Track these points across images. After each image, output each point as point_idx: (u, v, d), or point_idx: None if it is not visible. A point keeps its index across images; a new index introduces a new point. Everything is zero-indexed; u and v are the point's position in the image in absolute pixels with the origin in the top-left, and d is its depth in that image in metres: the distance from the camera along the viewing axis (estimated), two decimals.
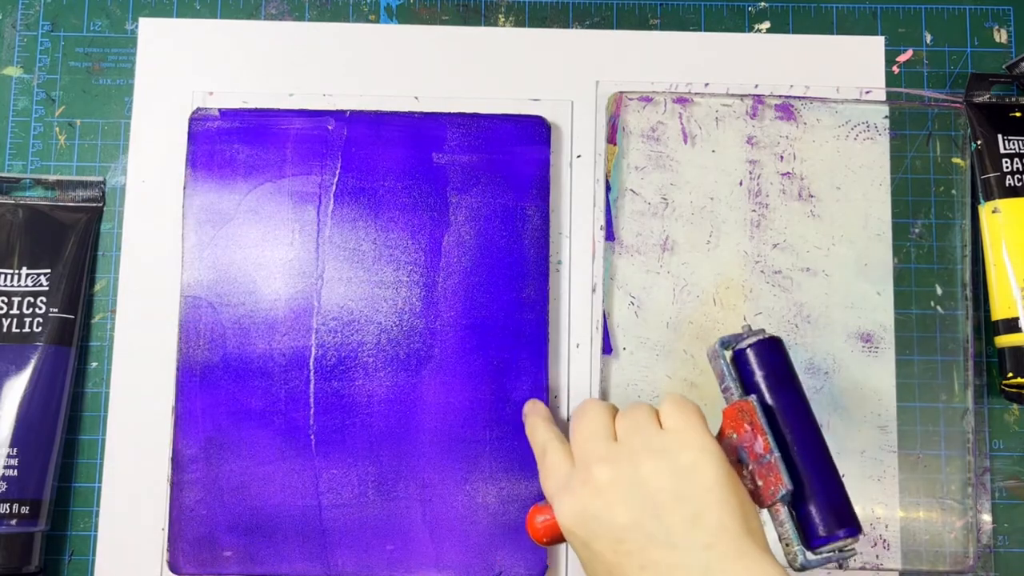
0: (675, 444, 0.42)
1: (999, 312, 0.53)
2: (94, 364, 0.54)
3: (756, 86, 0.56)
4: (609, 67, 0.56)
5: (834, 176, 0.55)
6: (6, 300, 0.52)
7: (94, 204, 0.55)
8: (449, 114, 0.55)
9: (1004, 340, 0.52)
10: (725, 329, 0.54)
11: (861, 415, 0.53)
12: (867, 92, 0.56)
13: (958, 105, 0.56)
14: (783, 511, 0.42)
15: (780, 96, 0.56)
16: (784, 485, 0.42)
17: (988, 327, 0.54)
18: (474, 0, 0.57)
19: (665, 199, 0.55)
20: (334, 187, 0.54)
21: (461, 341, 0.53)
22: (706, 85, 0.56)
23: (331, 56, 0.56)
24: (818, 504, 0.43)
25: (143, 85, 0.56)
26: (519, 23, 0.57)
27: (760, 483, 0.42)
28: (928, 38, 0.57)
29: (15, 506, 0.50)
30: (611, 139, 0.55)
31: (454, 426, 0.52)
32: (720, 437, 0.44)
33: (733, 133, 0.55)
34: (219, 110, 0.54)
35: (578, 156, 0.55)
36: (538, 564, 0.51)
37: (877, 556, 0.52)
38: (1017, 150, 0.54)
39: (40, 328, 0.52)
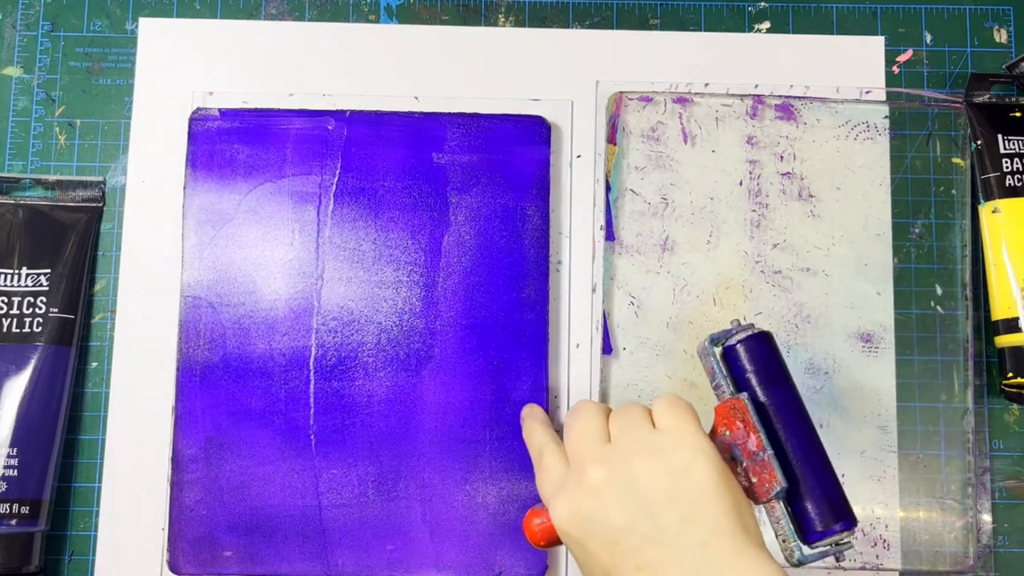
0: (668, 444, 0.42)
1: (999, 312, 0.53)
2: (94, 364, 0.54)
3: (756, 86, 0.56)
4: (609, 67, 0.56)
5: (834, 176, 0.55)
6: (6, 300, 0.52)
7: (94, 204, 0.55)
8: (449, 114, 0.55)
9: (1004, 340, 0.52)
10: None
11: (861, 415, 0.53)
12: (867, 92, 0.56)
13: (958, 105, 0.56)
14: (778, 507, 0.42)
15: (780, 96, 0.56)
16: (779, 482, 0.42)
17: (988, 327, 0.54)
18: (474, 0, 0.57)
19: (665, 199, 0.55)
20: (334, 187, 0.54)
21: (461, 341, 0.53)
22: (706, 85, 0.56)
23: (331, 56, 0.56)
24: (814, 499, 0.43)
25: (143, 85, 0.56)
26: (519, 23, 0.57)
27: (754, 480, 0.43)
28: (928, 38, 0.57)
29: (15, 506, 0.50)
30: (611, 139, 0.55)
31: (454, 426, 0.52)
32: (713, 435, 0.44)
33: (733, 133, 0.55)
34: (219, 110, 0.54)
35: (578, 156, 0.55)
36: (538, 564, 0.51)
37: (877, 556, 0.52)
38: (1017, 150, 0.54)
39: (40, 328, 0.52)
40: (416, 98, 0.56)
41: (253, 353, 0.52)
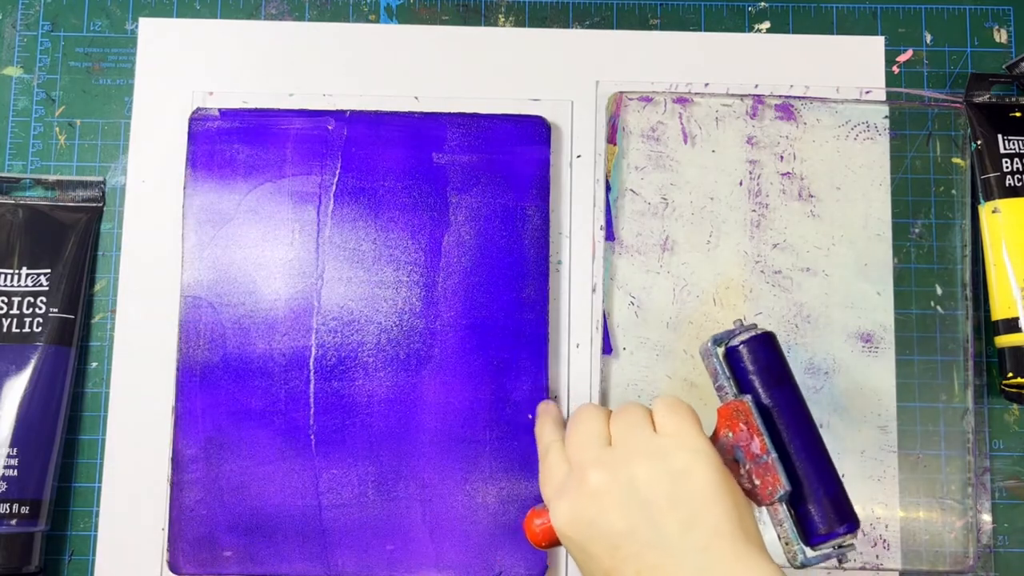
0: (669, 447, 0.42)
1: (999, 312, 0.53)
2: (94, 364, 0.54)
3: (756, 86, 0.56)
4: (609, 67, 0.56)
5: (834, 176, 0.55)
6: (6, 300, 0.52)
7: (94, 204, 0.55)
8: (449, 114, 0.55)
9: (1004, 340, 0.52)
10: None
11: (861, 415, 0.53)
12: (867, 92, 0.56)
13: (958, 105, 0.56)
14: (781, 510, 0.42)
15: (780, 96, 0.56)
16: (782, 486, 0.42)
17: (988, 327, 0.54)
18: (474, 0, 0.57)
19: (665, 199, 0.55)
20: (334, 187, 0.54)
21: (461, 341, 0.53)
22: (706, 85, 0.56)
23: (331, 56, 0.56)
24: (817, 501, 0.43)
25: (143, 85, 0.56)
26: (519, 23, 0.57)
27: (758, 483, 0.42)
28: (928, 38, 0.57)
29: (15, 506, 0.50)
30: (611, 139, 0.55)
31: (454, 426, 0.52)
32: (715, 436, 0.44)
33: (733, 133, 0.55)
34: (219, 110, 0.54)
35: (578, 156, 0.55)
36: (538, 564, 0.51)
37: (877, 556, 0.52)
38: (1017, 150, 0.54)
39: (40, 328, 0.52)
40: (416, 98, 0.56)
41: (253, 353, 0.52)
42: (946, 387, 0.54)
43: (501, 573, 0.51)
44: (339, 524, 0.51)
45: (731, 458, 0.43)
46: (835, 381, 0.53)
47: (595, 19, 0.57)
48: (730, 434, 0.43)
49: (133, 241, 0.54)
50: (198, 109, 0.55)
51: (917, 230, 0.55)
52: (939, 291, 0.55)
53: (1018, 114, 0.55)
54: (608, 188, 0.55)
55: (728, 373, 0.45)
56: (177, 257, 0.54)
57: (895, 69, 0.57)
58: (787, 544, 0.42)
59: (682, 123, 0.55)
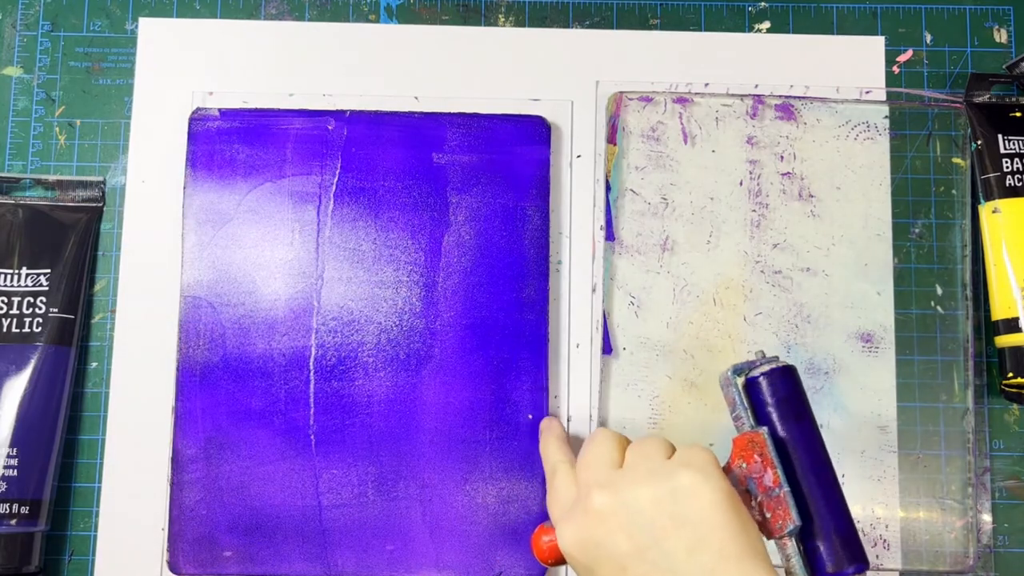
0: (675, 468, 0.41)
1: (999, 312, 0.53)
2: (94, 364, 0.54)
3: (756, 86, 0.56)
4: (609, 67, 0.56)
5: (834, 176, 0.55)
6: (6, 300, 0.52)
7: (94, 204, 0.55)
8: (449, 114, 0.55)
9: (1004, 340, 0.52)
10: (725, 329, 0.54)
11: (861, 415, 0.53)
12: (867, 92, 0.56)
13: (958, 105, 0.56)
14: (790, 545, 0.42)
15: (780, 96, 0.56)
16: (792, 520, 0.41)
17: (988, 327, 0.54)
18: (474, 0, 0.57)
19: (665, 199, 0.55)
20: (334, 187, 0.54)
21: (461, 341, 0.53)
22: (706, 85, 0.56)
23: (331, 56, 0.56)
24: (827, 539, 0.42)
25: (143, 85, 0.56)
26: (519, 23, 0.57)
27: (768, 516, 0.42)
28: (928, 38, 0.57)
29: (15, 506, 0.50)
30: (611, 139, 0.55)
31: (454, 426, 0.52)
32: (728, 467, 0.43)
33: (733, 133, 0.55)
34: (219, 110, 0.54)
35: (578, 156, 0.55)
36: (538, 565, 0.51)
37: (877, 556, 0.52)
38: (1017, 150, 0.54)
39: (40, 328, 0.52)
40: (416, 98, 0.56)
41: (253, 353, 0.52)
42: (946, 387, 0.54)
43: (501, 573, 0.51)
44: (339, 524, 0.51)
45: (743, 489, 0.43)
46: (835, 381, 0.53)
47: (595, 19, 0.57)
48: (744, 465, 0.43)
49: (133, 241, 0.54)
50: (198, 109, 0.55)
51: (917, 230, 0.55)
52: (939, 291, 0.55)
53: (1018, 114, 0.55)
54: (608, 188, 0.55)
55: (746, 404, 0.45)
56: (177, 257, 0.54)
57: (895, 69, 0.57)
58: None
59: (682, 123, 0.55)
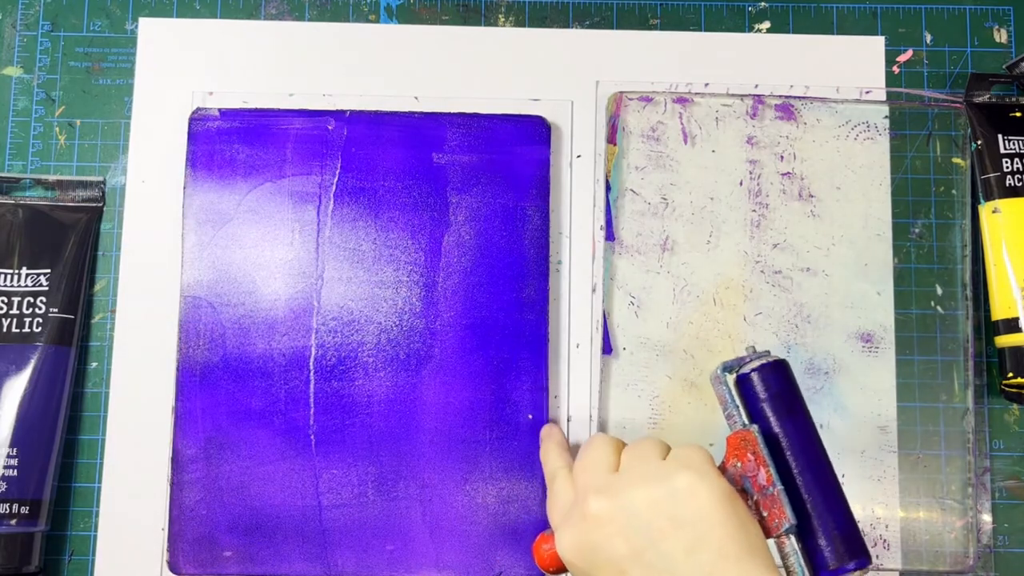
0: (672, 470, 0.41)
1: (999, 312, 0.53)
2: (94, 364, 0.54)
3: (756, 86, 0.56)
4: (609, 67, 0.56)
5: (834, 176, 0.55)
6: (6, 300, 0.52)
7: (94, 204, 0.55)
8: (449, 114, 0.55)
9: (1004, 340, 0.52)
10: (725, 329, 0.54)
11: (861, 415, 0.53)
12: (867, 92, 0.56)
13: (958, 105, 0.56)
14: (789, 543, 0.41)
15: (780, 96, 0.56)
16: (787, 518, 0.41)
17: (988, 327, 0.54)
18: (474, 0, 0.57)
19: (665, 199, 0.55)
20: (334, 187, 0.54)
21: (461, 341, 0.53)
22: (706, 85, 0.56)
23: (331, 56, 0.56)
24: (826, 535, 0.42)
25: (143, 85, 0.56)
26: (519, 23, 0.57)
27: (765, 514, 0.42)
28: (928, 38, 0.57)
29: (15, 506, 0.50)
30: (611, 139, 0.55)
31: (454, 426, 0.52)
32: (724, 466, 0.43)
33: (733, 133, 0.55)
34: (219, 110, 0.54)
35: (578, 156, 0.55)
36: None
37: (877, 556, 0.52)
38: (1017, 150, 0.54)
39: (40, 328, 0.52)
40: (416, 98, 0.56)
41: (253, 353, 0.52)
42: (946, 387, 0.54)
43: (501, 573, 0.51)
44: (339, 524, 0.51)
45: (739, 488, 0.42)
46: (835, 381, 0.53)
47: (595, 19, 0.57)
48: (738, 464, 0.43)
49: (133, 241, 0.54)
50: (198, 109, 0.55)
51: (917, 230, 0.55)
52: (939, 291, 0.55)
53: (1018, 114, 0.54)
54: (608, 188, 0.55)
55: (738, 401, 0.44)
56: (177, 257, 0.54)
57: (895, 69, 0.57)
58: None
59: (682, 123, 0.55)
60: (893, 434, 0.53)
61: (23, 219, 0.54)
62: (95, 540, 0.52)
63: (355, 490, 0.51)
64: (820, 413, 0.53)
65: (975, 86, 0.55)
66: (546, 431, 0.51)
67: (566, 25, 0.57)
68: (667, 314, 0.54)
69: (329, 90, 0.56)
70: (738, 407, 0.44)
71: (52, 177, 0.55)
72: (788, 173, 0.55)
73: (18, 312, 0.52)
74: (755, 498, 0.42)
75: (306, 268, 0.53)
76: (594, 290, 0.54)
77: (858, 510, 0.52)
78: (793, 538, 0.42)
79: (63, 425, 0.52)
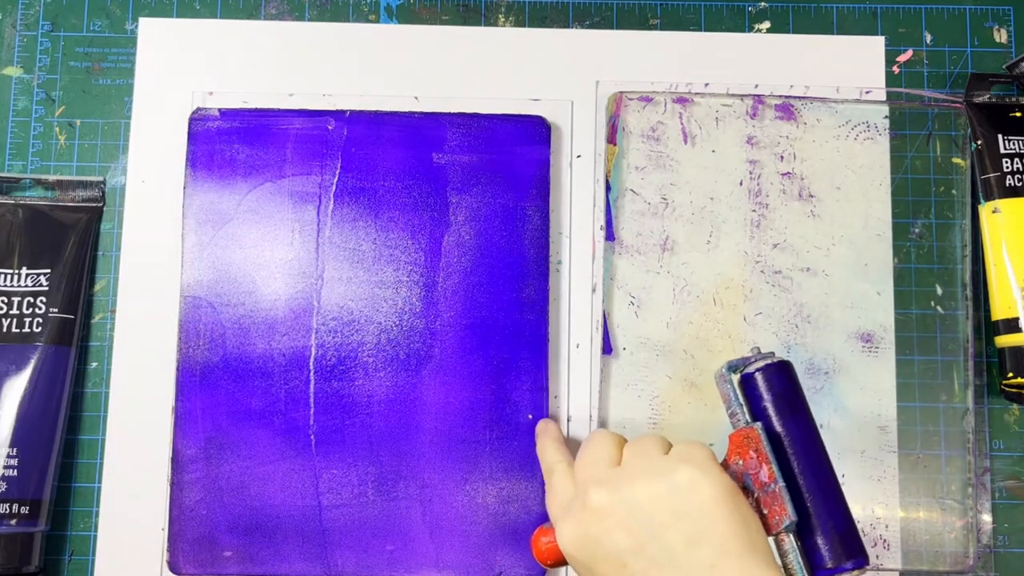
0: (674, 464, 0.41)
1: (999, 312, 0.53)
2: (94, 364, 0.54)
3: (756, 86, 0.56)
4: (609, 67, 0.56)
5: (834, 176, 0.55)
6: (6, 300, 0.52)
7: (94, 204, 0.55)
8: (449, 114, 0.55)
9: (1004, 340, 0.52)
10: (725, 329, 0.54)
11: (861, 415, 0.53)
12: (867, 92, 0.56)
13: (958, 105, 0.56)
14: (788, 541, 0.42)
15: (780, 96, 0.56)
16: (788, 516, 0.41)
17: (988, 327, 0.54)
18: (474, 0, 0.57)
19: (665, 199, 0.55)
20: (334, 187, 0.54)
21: (461, 341, 0.53)
22: (706, 85, 0.56)
23: (331, 56, 0.56)
24: (825, 534, 0.42)
25: (143, 85, 0.56)
26: (519, 23, 0.57)
27: (765, 512, 0.42)
28: (928, 38, 0.57)
29: (15, 506, 0.50)
30: (611, 139, 0.55)
31: (454, 426, 0.52)
32: (726, 463, 0.44)
33: (733, 133, 0.55)
34: (219, 110, 0.54)
35: (578, 156, 0.55)
36: (538, 565, 0.51)
37: (877, 556, 0.52)
38: (1017, 150, 0.54)
39: (40, 328, 0.52)
40: (416, 98, 0.56)
41: (253, 353, 0.52)
42: (946, 387, 0.54)
43: (501, 573, 0.51)
44: (339, 524, 0.51)
45: (741, 485, 0.43)
46: (835, 381, 0.53)
47: (595, 19, 0.57)
48: (740, 461, 0.43)
49: (133, 241, 0.54)
50: (198, 109, 0.55)
51: (917, 230, 0.55)
52: (939, 291, 0.55)
53: (1018, 114, 0.55)
54: (608, 188, 0.55)
55: (742, 400, 0.45)
56: (177, 257, 0.54)
57: (895, 69, 0.57)
58: None
59: (682, 123, 0.55)
60: (893, 434, 0.53)
61: (23, 219, 0.54)
62: (95, 540, 0.52)
63: (355, 490, 0.51)
64: (820, 413, 0.53)
65: (975, 86, 0.55)
66: (542, 426, 0.51)
67: (566, 25, 0.57)
68: (667, 314, 0.54)
69: (329, 90, 0.56)
70: (741, 406, 0.44)
71: (52, 177, 0.55)
72: (788, 173, 0.55)
73: (18, 312, 0.52)
74: (756, 495, 0.42)
75: (306, 268, 0.53)
76: (594, 290, 0.54)
77: (858, 510, 0.52)
78: (792, 536, 0.42)
79: (63, 425, 0.52)
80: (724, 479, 0.41)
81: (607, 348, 0.53)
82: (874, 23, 0.57)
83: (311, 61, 0.56)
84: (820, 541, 0.42)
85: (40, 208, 0.54)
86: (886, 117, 0.56)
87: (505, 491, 0.51)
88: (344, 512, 0.51)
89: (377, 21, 0.57)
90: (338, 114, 0.54)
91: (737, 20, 0.57)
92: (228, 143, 0.54)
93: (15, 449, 0.50)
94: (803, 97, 0.56)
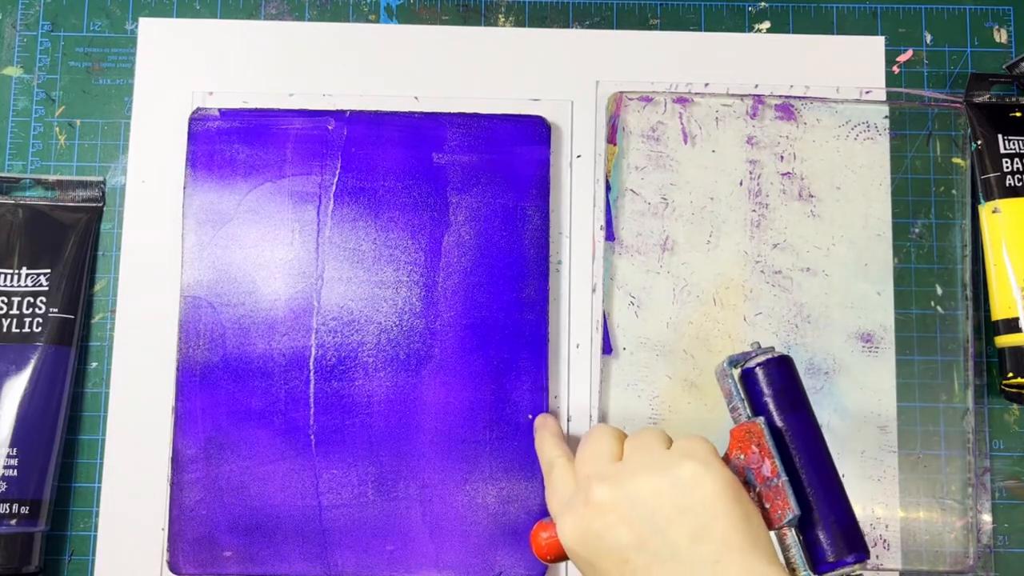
0: (676, 459, 0.41)
1: (999, 312, 0.53)
2: (94, 364, 0.54)
3: (756, 86, 0.56)
4: (609, 67, 0.56)
5: (834, 176, 0.55)
6: (6, 300, 0.52)
7: (94, 204, 0.55)
8: (449, 114, 0.55)
9: (1004, 340, 0.52)
10: (725, 329, 0.54)
11: (861, 415, 0.53)
12: (867, 92, 0.56)
13: (958, 105, 0.56)
14: (790, 535, 0.42)
15: (780, 96, 0.56)
16: (791, 510, 0.41)
17: (988, 327, 0.54)
18: (474, 0, 0.57)
19: (665, 199, 0.55)
20: (334, 187, 0.54)
21: (461, 341, 0.53)
22: (706, 85, 0.56)
23: (331, 56, 0.56)
24: (826, 528, 0.42)
25: (143, 85, 0.56)
26: (519, 23, 0.57)
27: (767, 506, 0.42)
28: (928, 38, 0.57)
29: (15, 506, 0.50)
30: (611, 139, 0.55)
31: (454, 426, 0.52)
32: (727, 458, 0.44)
33: (733, 133, 0.55)
34: (219, 110, 0.54)
35: (578, 156, 0.55)
36: (538, 565, 0.51)
37: (877, 556, 0.52)
38: (1017, 150, 0.54)
39: (40, 328, 0.52)
40: (416, 98, 0.56)
41: (253, 353, 0.52)
42: (946, 387, 0.54)
43: (501, 573, 0.51)
44: (339, 524, 0.51)
45: (742, 480, 0.43)
46: (835, 381, 0.53)
47: (595, 19, 0.57)
48: (742, 456, 0.43)
49: (133, 241, 0.54)
50: (198, 109, 0.55)
51: (917, 230, 0.55)
52: (939, 291, 0.55)
53: (1018, 114, 0.55)
54: (608, 188, 0.55)
55: (743, 395, 0.45)
56: (177, 257, 0.54)
57: (895, 69, 0.57)
58: (794, 571, 0.42)
59: (682, 123, 0.55)
60: (893, 434, 0.53)
61: (23, 219, 0.54)
62: (95, 540, 0.52)
63: (355, 490, 0.51)
64: (820, 413, 0.53)
65: (975, 86, 0.55)
66: (540, 421, 0.51)
67: (566, 25, 0.57)
68: (667, 314, 0.54)
69: (329, 90, 0.56)
70: (743, 400, 0.44)
71: (52, 177, 0.55)
72: (788, 173, 0.55)
73: (18, 312, 0.52)
74: (758, 490, 0.42)
75: (306, 268, 0.53)
76: (594, 290, 0.54)
77: (858, 510, 0.52)
78: (795, 530, 0.42)
79: (63, 425, 0.52)
80: (726, 474, 0.41)
81: (607, 348, 0.53)
82: (874, 23, 0.57)
83: (311, 61, 0.56)
84: (822, 535, 0.42)
85: (40, 208, 0.54)
86: (886, 117, 0.56)
87: (505, 491, 0.51)
88: (344, 512, 0.51)
89: (377, 21, 0.57)
90: (338, 114, 0.54)
91: (737, 20, 0.57)
92: (228, 143, 0.54)
93: (15, 449, 0.50)
94: (803, 97, 0.56)
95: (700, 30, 0.57)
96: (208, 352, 0.52)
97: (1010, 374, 0.52)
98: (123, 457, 0.53)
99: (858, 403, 0.53)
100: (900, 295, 0.54)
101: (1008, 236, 0.53)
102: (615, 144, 0.55)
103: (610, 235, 0.54)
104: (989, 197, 0.54)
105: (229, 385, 0.52)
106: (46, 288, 0.53)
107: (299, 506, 0.51)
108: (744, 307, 0.54)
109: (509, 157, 0.54)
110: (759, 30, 0.57)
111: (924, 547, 0.52)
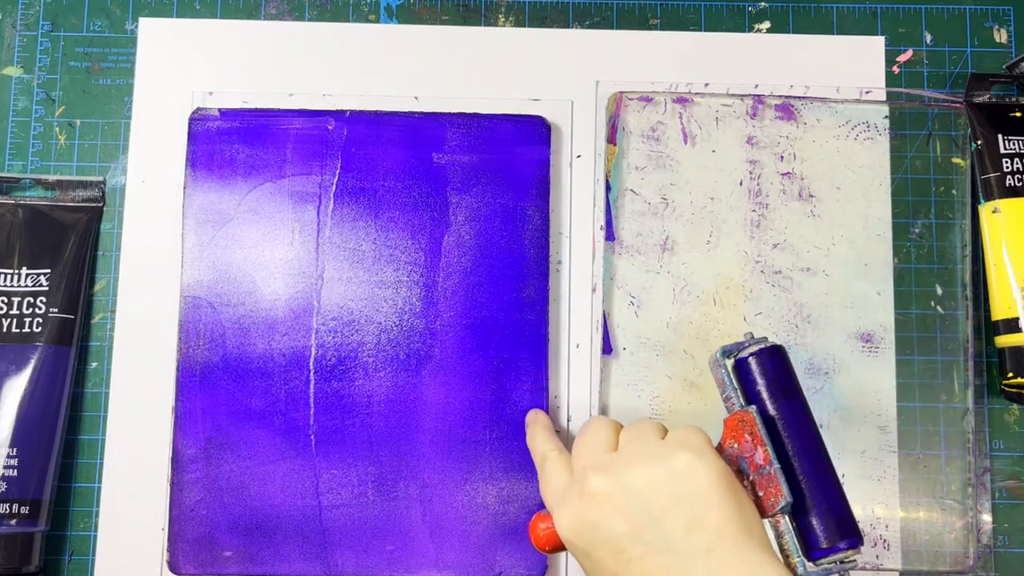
0: (671, 449, 0.42)
1: (999, 312, 0.53)
2: (94, 364, 0.54)
3: (756, 86, 0.56)
4: (609, 67, 0.56)
5: (834, 176, 0.55)
6: (6, 300, 0.52)
7: (94, 204, 0.55)
8: (449, 114, 0.55)
9: (1004, 340, 0.52)
10: (725, 329, 0.54)
11: (861, 415, 0.53)
12: (867, 92, 0.56)
13: (958, 105, 0.56)
14: (783, 522, 0.42)
15: (780, 96, 0.56)
16: (784, 497, 0.42)
17: (988, 327, 0.54)
18: (474, 0, 0.57)
19: (665, 199, 0.55)
20: (334, 187, 0.54)
21: (461, 341, 0.53)
22: (706, 85, 0.56)
23: (331, 56, 0.56)
24: (819, 515, 0.42)
25: (143, 85, 0.56)
26: (519, 23, 0.57)
27: (760, 494, 0.42)
28: (928, 38, 0.57)
29: (15, 506, 0.50)
30: (611, 139, 0.55)
31: (454, 426, 0.52)
32: (721, 447, 0.44)
33: (733, 133, 0.55)
34: (219, 110, 0.54)
35: (578, 156, 0.55)
36: (538, 564, 0.51)
37: (877, 556, 0.52)
38: (1017, 150, 0.54)
39: (40, 328, 0.52)
40: (416, 98, 0.56)
41: (253, 353, 0.52)
42: (946, 387, 0.54)
43: (501, 573, 0.51)
44: (339, 524, 0.51)
45: (736, 468, 0.43)
46: (835, 381, 0.53)
47: (595, 19, 0.57)
48: (735, 444, 0.43)
49: (133, 241, 0.54)
50: (198, 109, 0.55)
51: (917, 230, 0.55)
52: (939, 291, 0.55)
53: (1018, 114, 0.55)
54: (608, 188, 0.55)
55: (736, 385, 0.45)
56: (177, 257, 0.54)
57: (895, 69, 0.57)
58: (787, 557, 0.42)
59: (682, 123, 0.55)
60: (893, 434, 0.53)
61: (23, 219, 0.54)
62: (95, 540, 0.52)
63: (355, 490, 0.51)
64: (820, 413, 0.53)
65: (975, 86, 0.55)
66: (531, 416, 0.51)
67: (566, 25, 0.57)
68: (667, 314, 0.54)
69: (329, 90, 0.56)
70: (736, 390, 0.45)
71: (52, 177, 0.55)
72: (788, 173, 0.55)
73: (18, 312, 0.52)
74: (751, 478, 0.43)
75: (306, 268, 0.53)
76: (594, 290, 0.54)
77: (858, 510, 0.52)
78: (788, 518, 0.42)
79: (63, 425, 0.52)
80: (720, 464, 0.41)
81: (607, 348, 0.53)
82: (874, 23, 0.57)
83: (311, 61, 0.56)
84: (815, 522, 0.42)
85: (40, 208, 0.54)
86: (886, 117, 0.56)
87: (505, 491, 0.51)
88: (344, 512, 0.51)
89: (377, 21, 0.57)
90: (338, 114, 0.54)
91: (737, 20, 0.57)
92: (228, 143, 0.54)
93: (15, 449, 0.50)
94: (803, 97, 0.56)
95: (700, 30, 0.57)
96: (208, 352, 0.52)
97: (1010, 374, 0.52)
98: (123, 457, 0.53)
99: (858, 403, 0.53)
100: (900, 295, 0.54)
101: (1008, 236, 0.53)
102: (615, 144, 0.55)
103: (610, 235, 0.54)
104: (989, 197, 0.54)
105: (229, 385, 0.52)
106: (46, 288, 0.53)
107: (299, 506, 0.51)
108: (744, 307, 0.54)
109: (509, 157, 0.54)
110: (759, 30, 0.57)
111: (924, 547, 0.52)
